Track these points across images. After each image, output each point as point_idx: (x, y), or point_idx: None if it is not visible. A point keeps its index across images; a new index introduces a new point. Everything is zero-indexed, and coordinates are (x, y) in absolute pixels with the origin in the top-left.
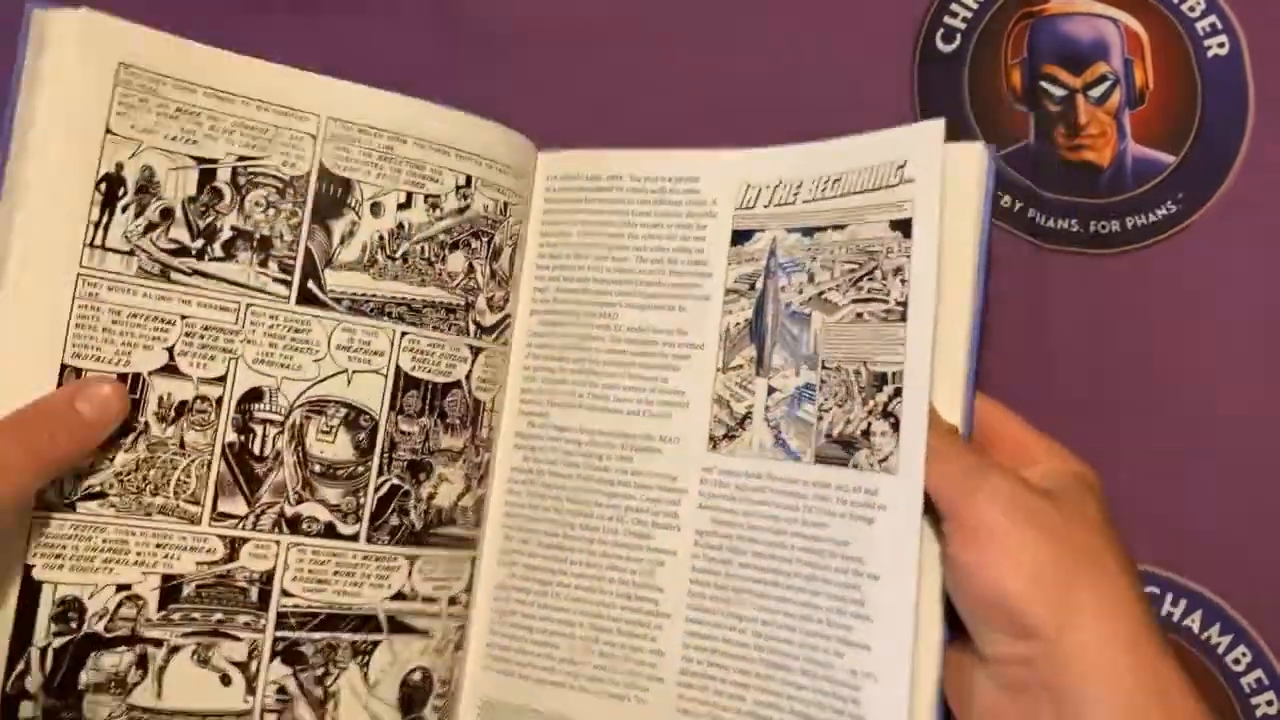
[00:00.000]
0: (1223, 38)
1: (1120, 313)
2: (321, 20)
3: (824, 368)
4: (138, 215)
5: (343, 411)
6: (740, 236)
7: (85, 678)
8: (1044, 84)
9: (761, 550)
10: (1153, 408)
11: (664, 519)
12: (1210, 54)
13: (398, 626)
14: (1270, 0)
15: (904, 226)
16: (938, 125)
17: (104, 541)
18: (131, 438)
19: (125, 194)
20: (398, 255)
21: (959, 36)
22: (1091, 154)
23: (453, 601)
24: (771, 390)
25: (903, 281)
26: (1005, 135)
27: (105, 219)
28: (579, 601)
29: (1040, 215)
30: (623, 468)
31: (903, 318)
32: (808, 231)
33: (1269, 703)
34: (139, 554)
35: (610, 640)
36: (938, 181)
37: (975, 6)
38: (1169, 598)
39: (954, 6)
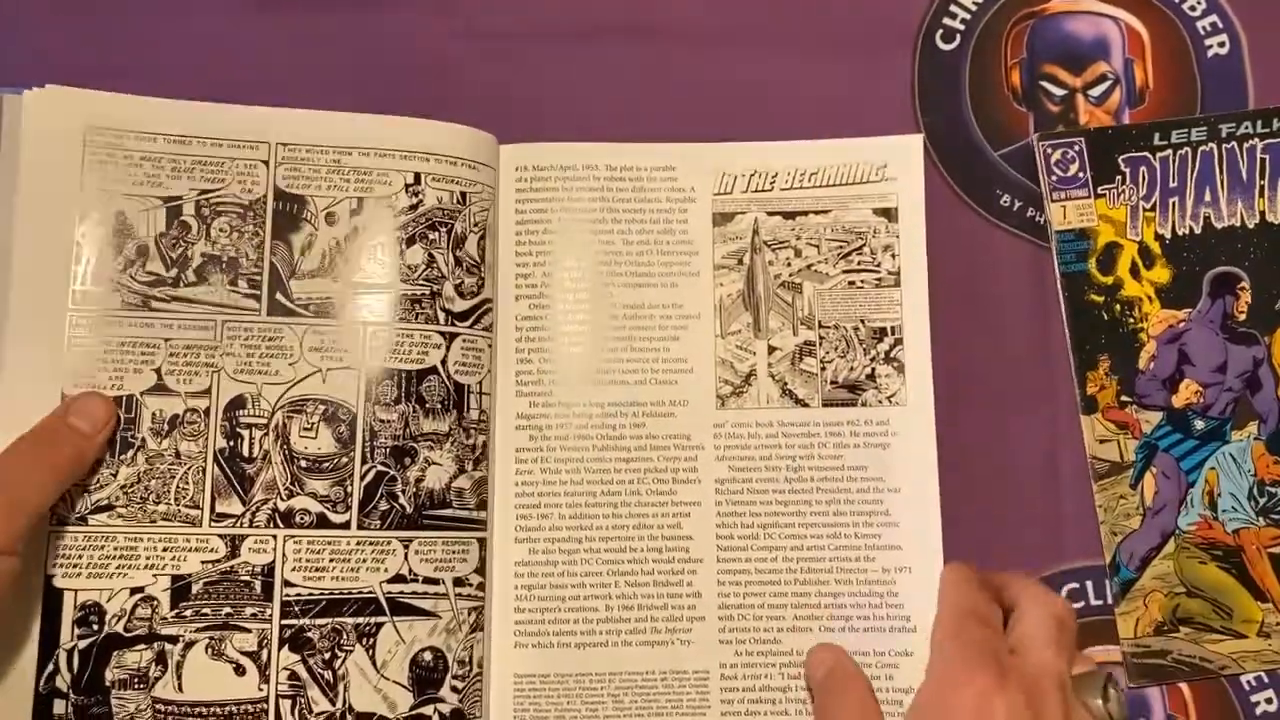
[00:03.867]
0: (1223, 37)
1: None
2: (327, 19)
3: (821, 326)
4: (116, 256)
5: (321, 408)
6: (721, 218)
7: (110, 675)
8: (1044, 83)
9: (782, 486)
10: None
11: (684, 474)
12: (1210, 53)
13: (399, 608)
14: (1270, 0)
15: (888, 214)
16: (918, 139)
17: (115, 549)
18: (131, 453)
19: (103, 240)
20: (356, 258)
21: (959, 36)
22: None
23: (460, 583)
24: (772, 349)
25: (893, 256)
26: (1005, 135)
27: (87, 265)
28: (610, 564)
29: (1040, 215)
30: (637, 433)
31: (896, 283)
32: (789, 215)
33: (1268, 700)
34: (148, 558)
35: (648, 593)
36: (920, 182)
37: (975, 7)
38: None
39: (954, 7)
